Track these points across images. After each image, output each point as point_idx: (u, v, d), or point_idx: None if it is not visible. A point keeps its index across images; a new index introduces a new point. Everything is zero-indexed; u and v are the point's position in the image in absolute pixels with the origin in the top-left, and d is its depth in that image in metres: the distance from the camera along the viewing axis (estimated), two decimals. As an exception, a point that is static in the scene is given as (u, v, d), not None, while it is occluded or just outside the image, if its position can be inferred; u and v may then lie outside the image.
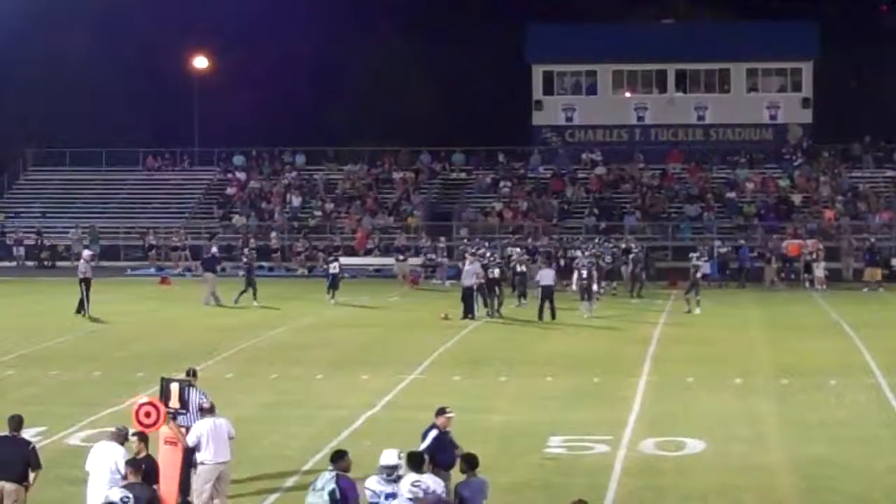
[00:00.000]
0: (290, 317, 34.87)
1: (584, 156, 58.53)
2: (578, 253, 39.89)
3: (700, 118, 60.02)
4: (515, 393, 22.94)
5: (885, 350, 27.65)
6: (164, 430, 14.48)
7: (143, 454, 13.02)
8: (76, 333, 31.28)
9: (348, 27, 66.36)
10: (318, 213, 55.97)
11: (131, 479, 12.26)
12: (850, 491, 16.10)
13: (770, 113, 59.69)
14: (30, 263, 53.23)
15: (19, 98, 63.97)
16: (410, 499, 11.73)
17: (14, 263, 53.31)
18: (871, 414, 20.98)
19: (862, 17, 65.91)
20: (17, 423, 13.70)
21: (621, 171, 57.36)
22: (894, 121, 58.60)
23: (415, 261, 48.54)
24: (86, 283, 34.66)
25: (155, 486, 12.66)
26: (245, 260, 40.27)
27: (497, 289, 35.36)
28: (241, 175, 59.47)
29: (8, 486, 13.28)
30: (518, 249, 42.54)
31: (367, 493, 11.95)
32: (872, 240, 46.88)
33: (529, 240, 48.81)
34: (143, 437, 13.32)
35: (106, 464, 13.15)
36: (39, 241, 54.10)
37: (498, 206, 55.01)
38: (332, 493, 11.85)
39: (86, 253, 37.82)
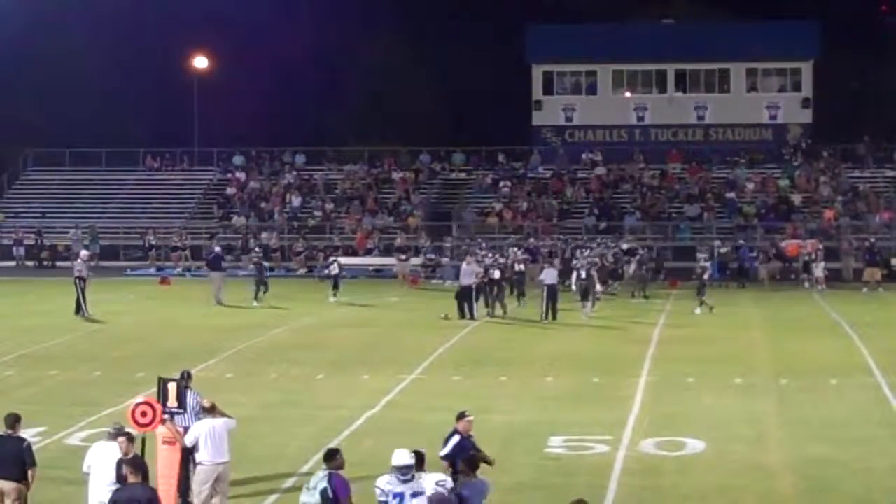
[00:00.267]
0: (290, 317, 34.85)
1: (583, 156, 58.53)
2: (578, 253, 39.95)
3: (700, 118, 60.04)
4: (515, 393, 22.91)
5: (885, 350, 27.62)
6: (162, 431, 14.47)
7: (130, 454, 12.97)
8: (76, 333, 31.27)
9: (348, 27, 66.36)
10: (318, 213, 55.96)
11: (131, 479, 12.21)
12: (850, 491, 16.09)
13: (770, 113, 59.68)
14: (30, 263, 53.21)
15: (19, 98, 63.93)
16: (429, 497, 11.78)
17: (14, 263, 53.27)
18: (871, 414, 20.94)
19: (862, 18, 65.93)
20: (13, 420, 13.64)
21: (621, 171, 57.35)
22: (894, 121, 58.58)
23: (415, 261, 48.55)
24: (81, 281, 34.63)
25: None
26: (255, 259, 40.42)
27: (497, 289, 35.35)
28: (241, 175, 59.45)
29: (6, 485, 13.26)
30: (516, 249, 42.52)
31: (377, 491, 11.90)
32: (872, 240, 46.81)
33: (531, 240, 48.78)
34: (130, 438, 13.28)
35: (106, 464, 13.14)
36: (39, 241, 54.08)
37: (498, 206, 54.99)
38: (323, 492, 11.87)
39: (83, 253, 37.84)
